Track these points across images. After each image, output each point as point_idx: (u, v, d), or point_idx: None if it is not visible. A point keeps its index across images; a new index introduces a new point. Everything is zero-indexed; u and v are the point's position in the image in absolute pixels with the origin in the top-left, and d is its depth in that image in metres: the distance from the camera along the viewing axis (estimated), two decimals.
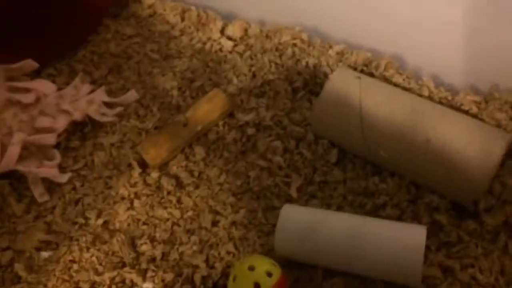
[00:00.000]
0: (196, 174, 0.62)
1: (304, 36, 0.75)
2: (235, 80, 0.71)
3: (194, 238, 0.56)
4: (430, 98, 0.64)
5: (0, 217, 0.61)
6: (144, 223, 0.58)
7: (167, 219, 0.58)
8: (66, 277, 0.55)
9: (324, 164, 0.61)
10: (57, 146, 0.66)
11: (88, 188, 0.62)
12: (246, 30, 0.78)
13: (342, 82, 0.60)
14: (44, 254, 0.57)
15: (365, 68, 0.68)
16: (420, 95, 0.63)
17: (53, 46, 0.79)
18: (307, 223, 0.51)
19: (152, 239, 0.56)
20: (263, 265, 0.48)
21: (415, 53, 0.69)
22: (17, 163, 0.61)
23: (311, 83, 0.69)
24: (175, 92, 0.72)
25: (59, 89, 0.72)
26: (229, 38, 0.78)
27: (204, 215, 0.58)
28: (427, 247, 0.50)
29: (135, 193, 0.61)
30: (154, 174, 0.62)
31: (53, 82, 0.73)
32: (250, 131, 0.65)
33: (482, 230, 0.52)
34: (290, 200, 0.58)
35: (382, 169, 0.58)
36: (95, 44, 0.80)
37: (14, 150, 0.61)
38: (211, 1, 0.84)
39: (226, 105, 0.67)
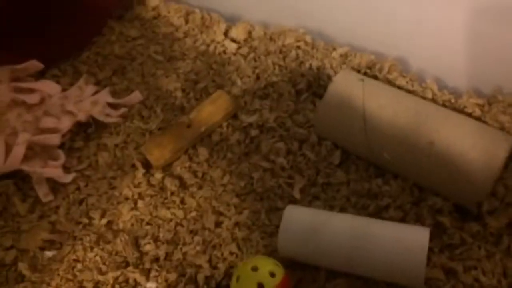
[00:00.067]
0: (199, 175, 0.62)
1: (308, 38, 0.75)
2: (238, 82, 0.72)
3: (197, 238, 0.56)
4: (433, 100, 0.64)
5: (4, 216, 0.61)
6: (148, 223, 0.58)
7: (171, 220, 0.58)
8: (69, 277, 0.55)
9: (327, 165, 0.61)
10: (61, 146, 0.66)
11: (92, 188, 0.62)
12: (250, 33, 0.79)
13: (345, 84, 0.60)
14: (48, 254, 0.57)
15: (368, 71, 0.69)
16: (424, 98, 0.63)
17: (57, 47, 0.79)
18: (310, 224, 0.51)
19: (156, 239, 0.57)
20: (267, 266, 0.48)
21: (419, 56, 0.70)
22: (21, 163, 0.62)
23: (315, 85, 0.70)
24: (178, 94, 0.72)
25: (64, 90, 0.72)
26: (233, 40, 0.78)
27: (207, 215, 0.58)
28: (430, 249, 0.50)
29: (139, 194, 0.61)
30: (158, 175, 0.62)
31: (58, 83, 0.74)
32: (254, 132, 0.65)
33: (485, 233, 0.52)
34: (293, 201, 0.58)
35: (385, 171, 0.59)
36: (100, 46, 0.81)
37: (18, 150, 0.62)
38: (215, 4, 0.85)
39: (229, 106, 0.67)
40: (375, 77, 0.67)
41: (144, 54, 0.79)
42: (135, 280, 0.54)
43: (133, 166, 0.63)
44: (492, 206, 0.53)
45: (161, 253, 0.55)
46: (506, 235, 0.51)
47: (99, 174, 0.63)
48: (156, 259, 0.55)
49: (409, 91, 0.65)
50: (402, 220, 0.54)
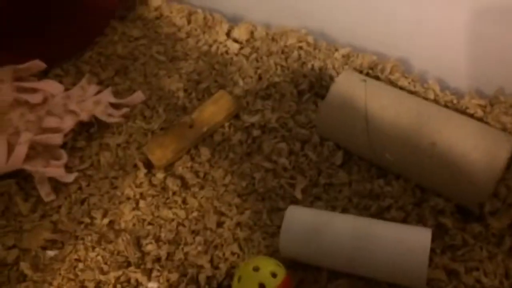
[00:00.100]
0: (201, 175, 0.62)
1: (310, 39, 0.75)
2: (241, 82, 0.72)
3: (199, 238, 0.56)
4: (435, 101, 0.64)
5: (6, 215, 0.61)
6: (149, 223, 0.58)
7: (172, 220, 0.58)
8: (71, 276, 0.55)
9: (329, 166, 0.61)
10: (63, 146, 0.66)
11: (94, 188, 0.62)
12: (252, 33, 0.79)
13: (347, 85, 0.60)
14: (50, 253, 0.57)
15: (370, 71, 0.68)
16: (426, 99, 0.63)
17: (60, 47, 0.79)
18: (312, 225, 0.51)
19: (157, 239, 0.57)
20: (268, 266, 0.48)
21: (421, 56, 0.70)
22: (24, 162, 0.62)
23: (317, 85, 0.70)
24: (181, 94, 0.72)
25: (66, 89, 0.73)
26: (235, 41, 0.78)
27: (209, 216, 0.58)
28: (432, 250, 0.50)
29: (141, 194, 0.61)
30: (160, 175, 0.62)
31: (60, 82, 0.74)
32: (256, 132, 0.65)
33: (487, 233, 0.52)
34: (295, 201, 0.58)
35: (388, 171, 0.58)
36: (102, 46, 0.81)
37: (21, 150, 0.62)
38: (217, 4, 0.85)
39: (231, 107, 0.67)
40: (377, 78, 0.67)
41: (146, 54, 0.79)
42: (136, 280, 0.54)
43: (135, 166, 0.64)
44: (494, 207, 0.52)
45: (163, 253, 0.55)
46: (508, 236, 0.51)
47: (101, 174, 0.64)
48: (157, 259, 0.55)
49: (411, 92, 0.65)
50: (404, 221, 0.54)
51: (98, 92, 0.72)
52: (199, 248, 0.55)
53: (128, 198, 0.60)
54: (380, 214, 0.55)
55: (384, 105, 0.58)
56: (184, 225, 0.58)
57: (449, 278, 0.50)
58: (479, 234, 0.52)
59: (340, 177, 0.59)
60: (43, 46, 0.78)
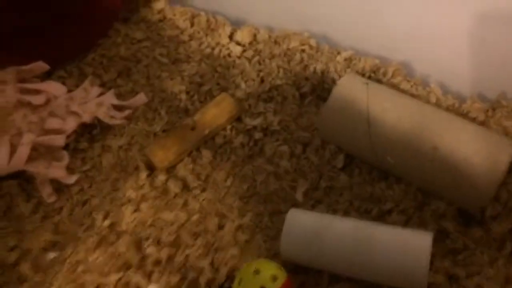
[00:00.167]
0: (203, 177, 0.62)
1: (312, 42, 0.75)
2: (243, 85, 0.72)
3: (200, 241, 0.56)
4: (437, 105, 0.64)
5: (8, 216, 0.61)
6: (150, 226, 0.58)
7: (173, 222, 0.58)
8: (72, 278, 0.55)
9: (330, 169, 0.61)
10: (65, 147, 0.66)
11: (95, 190, 0.63)
12: (254, 36, 0.79)
13: (349, 88, 0.60)
14: (51, 255, 0.57)
15: (372, 75, 0.69)
16: (428, 102, 0.63)
17: (63, 48, 0.80)
18: (313, 228, 0.51)
19: (158, 242, 0.57)
20: (269, 269, 0.48)
21: (423, 60, 0.70)
22: (26, 163, 0.62)
23: (319, 88, 0.70)
24: (183, 96, 0.72)
25: (69, 91, 0.73)
26: (238, 44, 0.78)
27: (210, 218, 0.58)
28: (433, 254, 0.50)
29: (142, 196, 0.61)
30: (161, 177, 0.62)
31: (63, 84, 0.74)
32: (258, 135, 0.65)
33: (488, 238, 0.52)
34: (296, 204, 0.58)
35: (389, 175, 0.58)
36: (105, 48, 0.81)
37: (23, 151, 0.62)
38: (220, 7, 0.85)
39: (234, 109, 0.67)
40: (379, 81, 0.67)
41: (149, 57, 0.79)
42: (137, 283, 0.53)
43: (137, 168, 0.64)
44: (496, 211, 0.52)
45: (164, 255, 0.55)
46: (509, 240, 0.51)
47: (103, 176, 0.64)
48: (158, 262, 0.55)
49: (413, 96, 0.65)
50: (405, 224, 0.54)
51: (101, 94, 0.72)
52: (200, 250, 0.55)
53: (130, 200, 0.61)
54: (381, 218, 0.55)
55: (386, 108, 0.58)
56: (185, 228, 0.58)
57: (450, 282, 0.50)
58: (480, 239, 0.52)
59: (342, 180, 0.59)
60: (46, 47, 0.78)
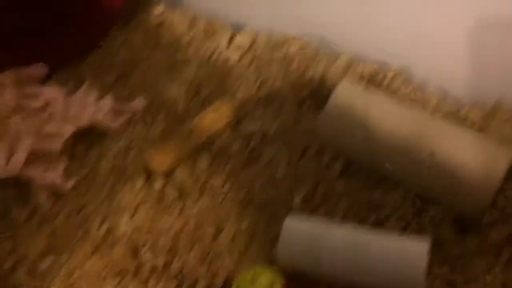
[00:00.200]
0: (200, 183, 0.62)
1: (311, 47, 0.75)
2: (241, 90, 0.72)
3: (196, 247, 0.56)
4: (435, 111, 0.64)
5: (3, 222, 0.61)
6: (147, 232, 0.58)
7: (170, 228, 0.58)
8: (67, 284, 0.55)
9: (328, 175, 0.60)
10: (63, 152, 0.66)
11: (92, 195, 0.62)
12: (253, 41, 0.79)
13: (348, 94, 0.60)
14: (47, 260, 0.57)
15: (371, 80, 0.68)
16: (426, 108, 0.63)
17: (62, 51, 0.80)
18: (310, 235, 0.51)
19: (155, 248, 0.56)
20: (266, 277, 0.48)
21: (422, 66, 0.69)
22: (22, 168, 0.62)
23: (317, 94, 0.70)
24: (182, 101, 0.72)
25: (67, 95, 0.73)
26: (237, 48, 0.78)
27: (207, 225, 0.58)
28: (431, 261, 0.50)
29: (139, 201, 0.61)
30: (159, 182, 0.62)
31: (62, 87, 0.74)
32: (256, 141, 0.65)
33: (486, 244, 0.52)
34: (294, 211, 0.58)
35: (387, 181, 0.58)
36: (104, 52, 0.81)
37: (20, 155, 0.62)
38: (219, 12, 0.85)
39: (232, 114, 0.67)
40: (378, 86, 0.67)
41: (148, 61, 0.79)
42: None
43: (134, 173, 0.63)
44: (493, 218, 0.52)
45: (160, 262, 0.55)
46: (506, 247, 0.51)
47: (100, 181, 0.64)
48: (154, 268, 0.55)
49: (412, 100, 0.65)
50: (403, 231, 0.54)
51: (99, 98, 0.72)
52: (197, 257, 0.55)
53: (126, 206, 0.60)
54: (379, 224, 0.55)
55: (384, 114, 0.58)
56: (182, 234, 0.57)
57: None
58: (478, 245, 0.51)
59: (339, 186, 0.59)
60: (46, 47, 0.78)
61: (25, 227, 0.60)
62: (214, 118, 0.66)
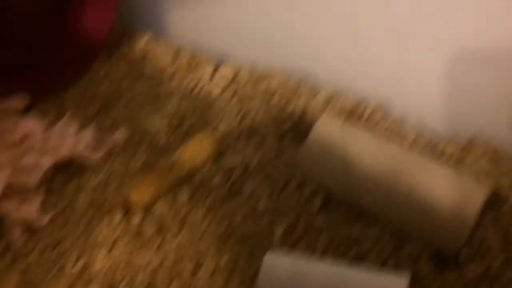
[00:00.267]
0: (180, 217, 0.61)
1: (293, 81, 0.76)
2: (223, 123, 0.72)
3: (175, 283, 0.55)
4: (413, 145, 0.65)
5: None
6: (124, 268, 0.57)
7: (148, 264, 0.57)
8: None
9: (309, 209, 0.61)
10: (40, 185, 0.65)
11: (68, 231, 0.61)
12: (236, 74, 0.80)
13: (328, 128, 0.61)
14: None
15: (351, 114, 0.70)
16: (404, 142, 0.64)
17: (43, 83, 0.80)
18: (290, 272, 0.50)
19: (132, 285, 0.55)
20: None
21: (400, 100, 0.71)
22: None
23: (299, 127, 0.70)
24: (163, 133, 0.72)
25: (48, 126, 0.72)
26: (220, 81, 0.79)
27: (186, 260, 0.57)
28: None
29: (117, 237, 0.60)
30: (137, 217, 0.61)
31: (42, 119, 0.73)
32: (236, 174, 0.65)
33: (464, 280, 0.52)
34: (274, 245, 0.57)
35: (366, 216, 0.59)
36: (86, 83, 0.81)
37: None
38: (203, 44, 0.86)
39: (213, 147, 0.67)
40: (357, 120, 0.68)
41: (130, 93, 0.79)
42: None
43: (113, 207, 0.63)
44: (470, 253, 0.53)
45: None
46: (484, 282, 0.51)
47: (77, 216, 0.62)
48: None
49: (390, 134, 0.66)
50: (382, 266, 0.54)
51: (80, 129, 0.72)
52: None
53: (103, 242, 0.59)
54: (359, 258, 0.55)
55: (364, 149, 0.58)
56: (160, 270, 0.56)
57: None
58: (455, 281, 0.52)
59: (320, 220, 0.59)
60: (33, 83, 0.78)
61: None
62: (196, 151, 0.66)
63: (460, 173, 0.56)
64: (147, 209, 0.62)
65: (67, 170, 0.68)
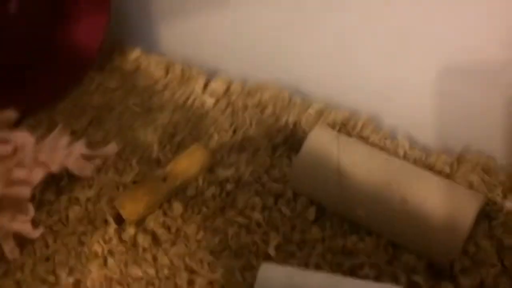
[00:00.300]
0: (173, 230, 0.61)
1: (285, 94, 0.77)
2: (215, 136, 0.72)
3: None
4: (405, 158, 0.65)
5: None
6: (118, 282, 0.56)
7: (142, 278, 0.56)
8: None
9: (302, 221, 0.61)
10: (31, 199, 0.64)
11: (60, 244, 0.60)
12: (228, 87, 0.80)
13: (320, 141, 0.61)
14: None
15: (343, 127, 0.70)
16: (396, 155, 0.65)
17: (35, 97, 0.79)
18: (285, 284, 0.50)
19: None
20: None
21: (391, 113, 0.72)
22: None
23: (291, 140, 0.71)
24: (155, 146, 0.72)
25: (39, 139, 0.71)
26: (211, 94, 0.79)
27: (180, 273, 0.56)
28: None
29: (109, 250, 0.59)
30: (130, 230, 0.61)
31: (33, 133, 0.72)
32: (229, 186, 0.65)
33: None
34: (268, 258, 0.57)
35: (360, 227, 0.59)
36: (77, 96, 0.81)
37: None
38: (195, 58, 0.87)
39: (206, 160, 0.67)
40: (349, 133, 0.69)
41: (122, 105, 0.79)
42: None
43: (105, 221, 0.62)
44: (464, 264, 0.53)
45: None
46: None
47: (69, 229, 0.62)
48: None
49: (381, 148, 0.66)
50: (377, 278, 0.54)
51: (71, 142, 0.71)
52: None
53: (96, 255, 0.59)
54: (353, 271, 0.55)
55: (356, 161, 0.59)
56: (154, 284, 0.56)
57: None
58: None
59: (313, 233, 0.59)
60: (23, 96, 0.77)
61: None
62: (188, 164, 0.66)
63: (452, 184, 0.56)
64: (140, 221, 0.62)
65: (58, 182, 0.67)
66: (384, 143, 0.67)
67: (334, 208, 0.60)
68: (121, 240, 0.60)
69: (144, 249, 0.59)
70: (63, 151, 0.69)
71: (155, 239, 0.60)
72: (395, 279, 0.53)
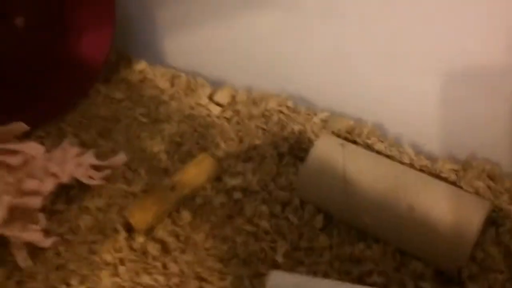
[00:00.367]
0: (182, 238, 0.62)
1: (290, 103, 0.78)
2: (222, 145, 0.73)
3: None
4: (410, 165, 0.66)
5: None
6: None
7: (152, 286, 0.57)
8: None
9: (310, 229, 0.61)
10: (42, 209, 0.65)
11: (71, 253, 0.61)
12: (233, 97, 0.81)
13: (326, 149, 0.62)
14: None
15: (348, 136, 0.71)
16: (401, 163, 0.65)
17: (43, 108, 0.80)
18: None
19: None
20: None
21: (396, 121, 0.73)
22: (1, 227, 0.60)
23: (297, 148, 0.71)
24: (163, 156, 0.73)
25: (48, 151, 0.72)
26: (217, 104, 0.80)
27: (189, 281, 0.57)
28: None
29: (120, 259, 0.60)
30: (140, 239, 0.61)
31: (42, 144, 0.73)
32: (237, 195, 0.66)
33: None
34: (276, 266, 0.58)
35: (368, 235, 0.59)
36: (85, 107, 0.82)
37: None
38: (200, 68, 0.88)
39: (213, 169, 0.68)
40: (354, 142, 0.70)
41: (129, 116, 0.80)
42: None
43: (115, 229, 0.63)
44: (472, 271, 0.53)
45: None
46: None
47: (80, 238, 0.62)
48: None
49: (387, 156, 0.67)
50: (385, 285, 0.54)
51: (80, 154, 0.72)
52: None
53: (107, 264, 0.59)
54: (361, 279, 0.55)
55: (362, 169, 0.59)
56: None
57: None
58: None
59: (321, 240, 0.60)
60: (33, 108, 0.78)
61: (3, 287, 0.58)
62: (196, 173, 0.67)
63: (459, 191, 0.57)
64: (150, 230, 0.63)
65: (68, 193, 0.68)
66: (389, 150, 0.68)
67: (341, 216, 0.61)
68: (131, 248, 0.61)
69: (154, 258, 0.60)
70: (72, 162, 0.70)
71: (165, 248, 0.61)
72: (403, 286, 0.54)
